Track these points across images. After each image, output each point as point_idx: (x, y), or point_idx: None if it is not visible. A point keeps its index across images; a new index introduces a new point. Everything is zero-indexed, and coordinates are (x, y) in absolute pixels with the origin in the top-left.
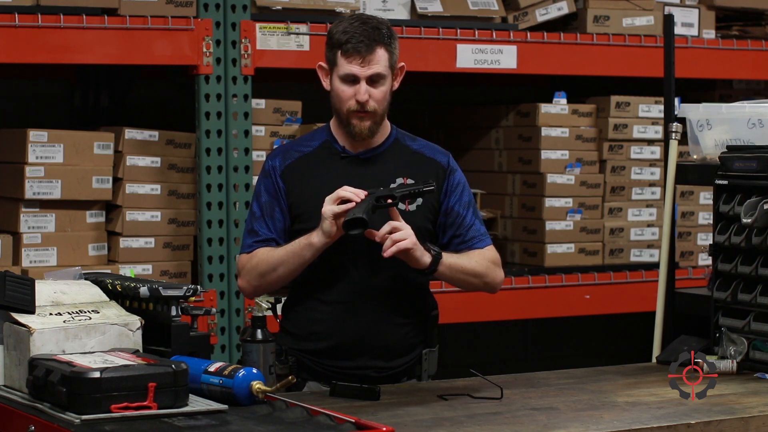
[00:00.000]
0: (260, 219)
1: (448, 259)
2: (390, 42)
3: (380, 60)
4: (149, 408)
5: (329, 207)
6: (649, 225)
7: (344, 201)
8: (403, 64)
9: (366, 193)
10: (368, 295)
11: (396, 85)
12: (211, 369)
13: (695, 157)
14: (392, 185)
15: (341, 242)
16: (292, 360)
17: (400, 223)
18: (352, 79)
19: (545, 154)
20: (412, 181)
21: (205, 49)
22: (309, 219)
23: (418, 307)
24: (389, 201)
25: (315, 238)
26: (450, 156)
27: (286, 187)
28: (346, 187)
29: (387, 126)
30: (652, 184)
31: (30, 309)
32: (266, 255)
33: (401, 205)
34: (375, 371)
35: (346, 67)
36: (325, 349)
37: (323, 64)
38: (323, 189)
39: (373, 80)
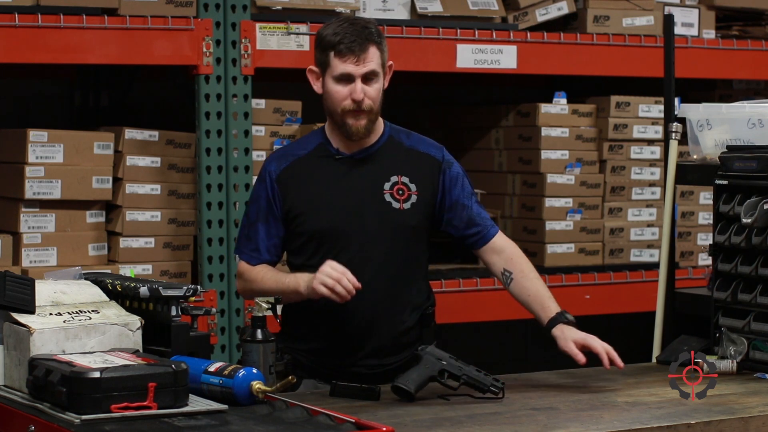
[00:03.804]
0: (255, 224)
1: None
2: (380, 41)
3: (373, 58)
4: (149, 408)
5: (321, 288)
6: (649, 225)
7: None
8: (391, 62)
9: (358, 286)
10: (362, 294)
11: (386, 84)
12: (211, 369)
13: (695, 157)
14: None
15: (336, 244)
16: (288, 358)
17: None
18: (347, 78)
19: (545, 154)
20: (407, 179)
21: (205, 49)
22: (305, 222)
23: (413, 305)
24: (450, 379)
25: (303, 289)
26: (444, 149)
27: (281, 192)
28: (341, 277)
29: (380, 124)
30: (652, 184)
31: (30, 309)
32: (261, 279)
33: (395, 204)
34: (367, 369)
35: (340, 66)
36: (320, 348)
37: (314, 68)
38: (318, 191)
39: (368, 78)
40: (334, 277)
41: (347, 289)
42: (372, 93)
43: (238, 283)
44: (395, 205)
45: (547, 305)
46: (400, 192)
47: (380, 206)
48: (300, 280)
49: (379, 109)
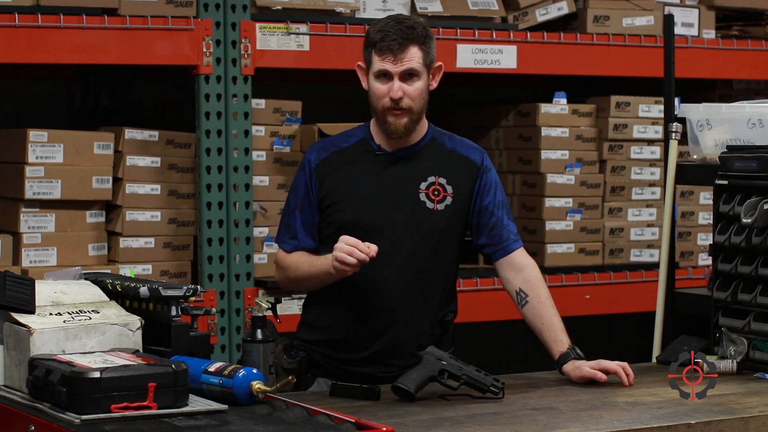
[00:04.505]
0: (293, 212)
1: (566, 336)
2: (424, 41)
3: (413, 57)
4: (149, 408)
5: (339, 266)
6: (649, 225)
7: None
8: (440, 63)
9: (375, 250)
10: (385, 290)
11: (434, 84)
12: (211, 369)
13: (695, 157)
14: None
15: (364, 238)
16: (302, 355)
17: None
18: (385, 76)
19: (545, 154)
20: (444, 181)
21: (205, 49)
22: (336, 212)
23: (434, 309)
24: (450, 379)
25: (333, 270)
26: (485, 154)
27: (318, 181)
28: (353, 249)
29: (424, 125)
30: (652, 184)
31: (30, 309)
32: (296, 264)
33: (429, 204)
34: (380, 371)
35: (379, 64)
36: (335, 341)
37: (361, 64)
38: (353, 184)
39: (407, 77)
40: (346, 251)
41: (360, 259)
42: (412, 92)
43: (277, 273)
44: (429, 205)
45: (560, 338)
46: (436, 192)
47: (413, 205)
48: (330, 264)
49: (420, 109)
